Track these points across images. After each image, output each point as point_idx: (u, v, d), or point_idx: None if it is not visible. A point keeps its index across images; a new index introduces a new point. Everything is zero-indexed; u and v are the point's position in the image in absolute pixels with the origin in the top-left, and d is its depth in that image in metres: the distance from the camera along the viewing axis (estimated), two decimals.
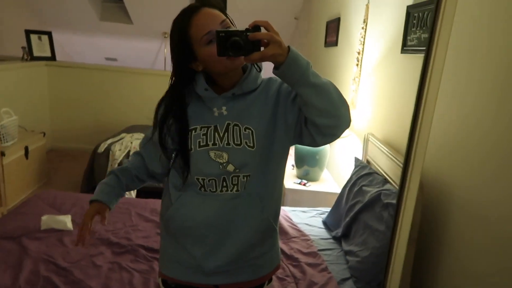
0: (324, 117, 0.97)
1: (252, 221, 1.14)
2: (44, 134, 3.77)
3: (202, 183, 1.11)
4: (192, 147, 1.10)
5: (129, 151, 3.44)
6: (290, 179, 2.89)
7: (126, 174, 1.23)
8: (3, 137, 3.16)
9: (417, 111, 0.72)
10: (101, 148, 3.44)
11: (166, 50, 5.79)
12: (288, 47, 0.92)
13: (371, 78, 2.50)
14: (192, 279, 1.19)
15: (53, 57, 4.75)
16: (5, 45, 4.98)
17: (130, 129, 4.12)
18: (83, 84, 4.84)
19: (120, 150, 3.45)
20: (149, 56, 6.30)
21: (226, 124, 1.09)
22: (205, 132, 1.09)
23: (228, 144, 1.08)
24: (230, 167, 1.09)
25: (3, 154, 3.05)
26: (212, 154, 1.09)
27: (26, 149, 3.42)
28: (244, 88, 1.10)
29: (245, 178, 1.11)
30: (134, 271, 1.71)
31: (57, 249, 1.83)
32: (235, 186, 1.11)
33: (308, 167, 2.84)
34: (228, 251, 1.15)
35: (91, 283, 1.60)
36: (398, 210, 0.78)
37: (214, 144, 1.08)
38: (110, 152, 3.40)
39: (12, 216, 2.12)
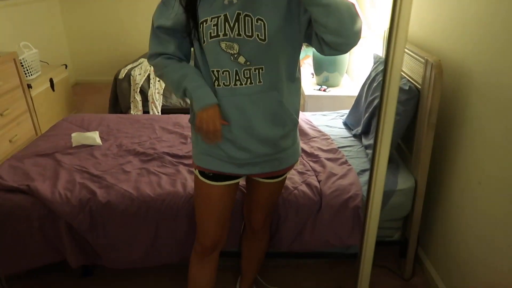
0: (333, 35, 0.98)
1: (272, 115, 1.16)
2: (66, 66, 3.83)
3: (216, 75, 1.13)
4: (205, 39, 1.10)
5: (149, 75, 3.47)
6: (310, 86, 2.86)
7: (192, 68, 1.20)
8: (27, 70, 3.24)
9: None
10: (122, 74, 3.48)
11: None
12: None
13: None
14: (224, 169, 1.25)
15: None
16: None
17: None
18: (97, 14, 4.78)
19: (140, 74, 3.48)
20: None
21: (236, 13, 1.06)
22: (215, 22, 1.07)
23: (239, 34, 1.07)
24: (241, 59, 1.09)
25: (30, 86, 3.15)
26: (223, 45, 1.09)
27: (51, 81, 3.50)
28: None
29: (257, 71, 1.11)
30: (161, 174, 1.81)
31: (88, 161, 1.94)
32: (248, 80, 1.11)
33: (328, 73, 2.79)
34: (254, 145, 1.19)
35: (123, 186, 1.71)
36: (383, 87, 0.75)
37: (224, 34, 1.08)
38: (131, 77, 3.44)
39: (44, 137, 2.24)
